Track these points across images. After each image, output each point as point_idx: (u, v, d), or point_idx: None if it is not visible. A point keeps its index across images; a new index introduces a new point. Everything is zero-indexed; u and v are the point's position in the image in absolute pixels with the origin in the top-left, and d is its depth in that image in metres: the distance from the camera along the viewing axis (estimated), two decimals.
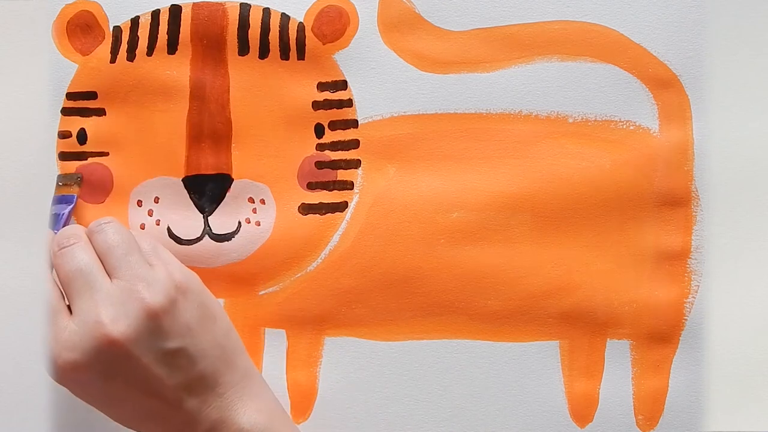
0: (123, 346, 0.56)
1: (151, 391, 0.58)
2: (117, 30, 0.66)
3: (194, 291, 0.60)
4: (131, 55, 0.65)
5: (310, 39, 0.66)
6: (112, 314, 0.56)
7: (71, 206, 0.64)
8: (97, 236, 0.60)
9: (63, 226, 0.63)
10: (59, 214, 0.64)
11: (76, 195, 0.65)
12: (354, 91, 0.66)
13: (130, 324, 0.56)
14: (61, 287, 0.58)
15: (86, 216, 0.65)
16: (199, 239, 0.65)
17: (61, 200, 0.64)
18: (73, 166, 0.66)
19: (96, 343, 0.56)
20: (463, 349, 0.66)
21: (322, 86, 0.66)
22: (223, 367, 0.60)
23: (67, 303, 0.58)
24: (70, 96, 0.66)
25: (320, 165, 0.66)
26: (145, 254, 0.60)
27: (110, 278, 0.58)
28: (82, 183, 0.65)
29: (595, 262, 0.66)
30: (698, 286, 0.66)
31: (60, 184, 0.65)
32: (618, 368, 0.66)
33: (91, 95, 0.66)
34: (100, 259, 0.59)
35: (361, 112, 0.66)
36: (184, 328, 0.58)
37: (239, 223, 0.65)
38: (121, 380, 0.57)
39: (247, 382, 0.61)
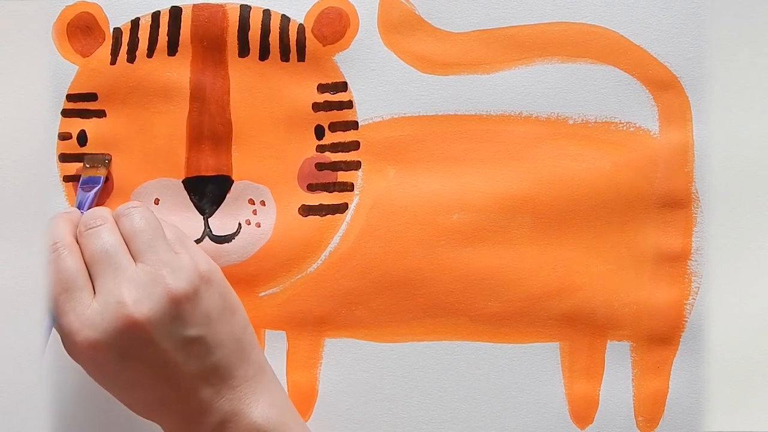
0: (144, 328, 0.56)
1: (166, 376, 0.58)
2: (117, 31, 0.66)
3: (217, 282, 0.60)
4: (131, 57, 0.65)
5: (311, 40, 0.66)
6: (135, 296, 0.56)
7: (98, 187, 0.64)
8: (125, 220, 0.60)
9: (89, 207, 0.64)
10: (85, 195, 0.64)
11: (102, 177, 0.65)
12: (354, 93, 0.66)
13: (153, 307, 0.56)
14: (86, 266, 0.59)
15: (106, 181, 0.65)
16: (199, 241, 0.65)
17: (87, 181, 0.65)
18: (73, 167, 0.66)
19: (117, 323, 0.56)
20: (464, 350, 0.66)
21: (322, 88, 0.66)
22: (239, 360, 0.60)
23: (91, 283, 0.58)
24: (70, 97, 0.66)
25: (320, 166, 0.66)
26: (170, 242, 0.60)
27: (135, 262, 0.58)
28: (110, 164, 0.65)
29: (596, 263, 0.66)
30: (698, 287, 0.66)
31: (87, 165, 0.65)
32: (618, 370, 0.66)
33: (92, 97, 0.66)
34: (125, 242, 0.59)
35: (362, 113, 0.66)
36: (205, 317, 0.58)
37: (239, 224, 0.65)
38: (138, 363, 0.57)
39: (261, 377, 0.61)
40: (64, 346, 0.57)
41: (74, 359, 0.58)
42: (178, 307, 0.57)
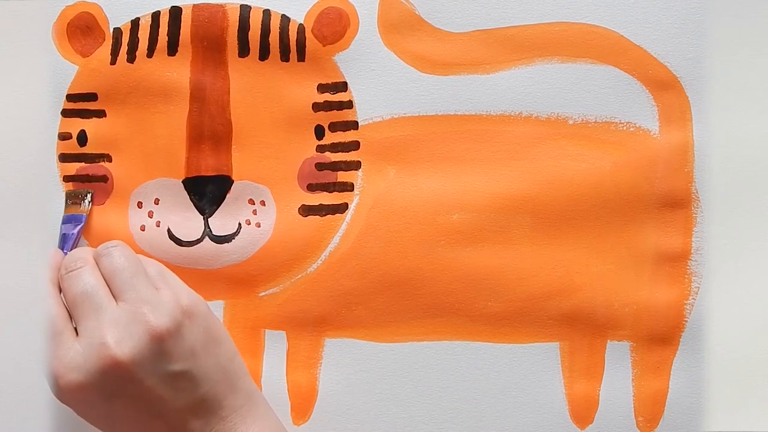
0: (127, 367, 0.56)
1: (154, 412, 0.58)
2: (117, 32, 0.66)
3: (200, 315, 0.60)
4: (131, 57, 0.65)
5: (311, 40, 0.66)
6: (117, 336, 0.57)
7: (80, 226, 0.64)
8: (104, 259, 0.60)
9: (72, 246, 0.64)
10: (68, 234, 0.64)
11: (85, 215, 0.65)
12: (354, 93, 0.66)
13: (135, 346, 0.57)
14: (68, 309, 0.59)
15: (88, 218, 0.65)
16: (199, 241, 0.65)
17: (70, 219, 0.65)
18: (73, 167, 0.66)
19: (100, 364, 0.56)
20: (463, 350, 0.66)
21: (322, 88, 0.66)
22: (227, 390, 0.60)
23: (74, 325, 0.58)
24: (70, 97, 0.66)
25: (320, 166, 0.66)
26: (151, 278, 0.60)
27: (116, 301, 0.59)
28: (92, 201, 0.65)
29: (596, 263, 0.66)
30: (698, 287, 0.66)
31: (69, 203, 0.65)
32: (618, 370, 0.66)
33: (92, 97, 0.66)
34: (106, 282, 0.59)
35: (362, 113, 0.66)
36: (189, 351, 0.58)
37: (239, 224, 0.65)
38: (125, 401, 0.57)
39: (250, 406, 0.61)
40: (52, 391, 0.58)
41: (61, 401, 0.58)
42: (161, 344, 0.57)
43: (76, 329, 0.58)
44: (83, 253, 0.61)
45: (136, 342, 0.57)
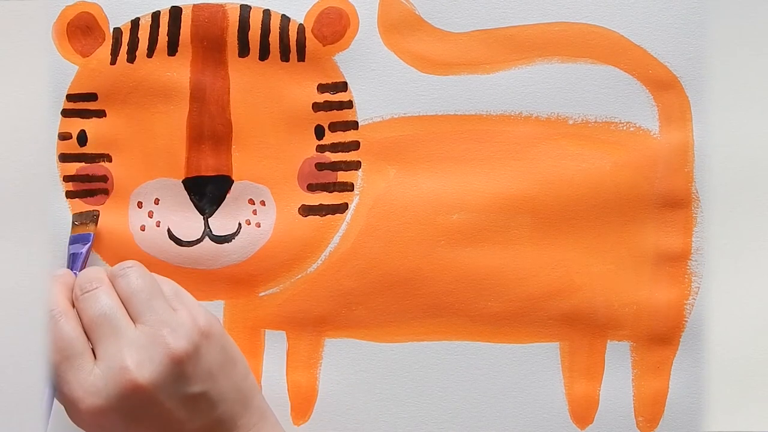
0: (148, 391, 0.56)
1: None
2: (117, 31, 0.66)
3: (216, 335, 0.60)
4: (131, 57, 0.65)
5: (311, 40, 0.66)
6: (137, 359, 0.56)
7: (88, 245, 0.64)
8: (121, 280, 0.60)
9: (81, 266, 0.63)
10: (77, 254, 0.64)
11: (92, 233, 0.64)
12: (354, 93, 0.66)
13: (155, 369, 0.56)
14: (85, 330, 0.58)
15: (95, 237, 0.65)
16: (199, 241, 0.65)
17: (77, 239, 0.64)
18: (73, 167, 0.66)
19: (121, 389, 0.56)
20: (464, 350, 0.66)
21: (322, 88, 0.66)
22: (242, 409, 0.60)
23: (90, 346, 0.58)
24: (70, 97, 0.66)
25: (320, 166, 0.66)
26: (167, 298, 0.60)
27: (135, 323, 0.58)
28: (98, 220, 0.65)
29: (596, 263, 0.66)
30: (698, 287, 0.66)
31: (76, 223, 0.65)
32: (618, 370, 0.66)
33: (92, 97, 0.66)
34: (123, 303, 0.59)
35: (362, 113, 0.66)
36: (206, 372, 0.58)
37: (239, 224, 0.65)
38: (144, 425, 0.57)
39: (263, 424, 0.61)
40: (68, 414, 0.58)
41: (79, 426, 0.58)
42: (180, 367, 0.57)
43: (92, 351, 0.57)
44: (97, 273, 0.61)
45: (156, 365, 0.56)
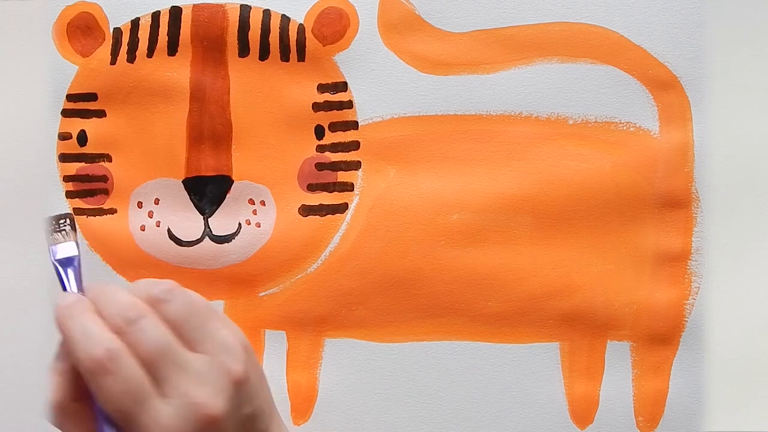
0: (222, 421, 0.54)
1: None
2: (117, 31, 0.66)
3: (251, 349, 0.58)
4: (131, 57, 0.65)
5: (311, 40, 0.66)
6: (207, 392, 0.54)
7: (77, 257, 0.57)
8: (167, 306, 0.55)
9: (78, 282, 0.57)
10: (71, 269, 0.57)
11: (75, 242, 0.58)
12: (354, 93, 0.66)
13: (224, 398, 0.54)
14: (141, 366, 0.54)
15: (88, 219, 0.65)
16: (199, 241, 0.65)
17: (64, 262, 0.57)
18: (73, 167, 0.66)
19: (197, 423, 0.53)
20: (464, 350, 0.66)
21: (322, 88, 0.66)
22: (272, 422, 0.59)
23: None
24: (70, 97, 0.66)
25: (320, 166, 0.66)
26: (209, 317, 0.56)
27: (190, 350, 0.55)
28: (76, 224, 0.59)
29: (596, 263, 0.66)
30: (698, 287, 0.66)
31: (52, 231, 0.58)
32: (618, 370, 0.66)
33: (92, 97, 0.66)
34: (171, 328, 0.55)
35: (362, 113, 0.66)
36: (254, 391, 0.57)
37: (239, 224, 0.65)
38: None
39: (283, 429, 0.60)
40: None
41: None
42: (241, 390, 0.55)
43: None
44: (130, 298, 0.55)
45: (225, 394, 0.54)
